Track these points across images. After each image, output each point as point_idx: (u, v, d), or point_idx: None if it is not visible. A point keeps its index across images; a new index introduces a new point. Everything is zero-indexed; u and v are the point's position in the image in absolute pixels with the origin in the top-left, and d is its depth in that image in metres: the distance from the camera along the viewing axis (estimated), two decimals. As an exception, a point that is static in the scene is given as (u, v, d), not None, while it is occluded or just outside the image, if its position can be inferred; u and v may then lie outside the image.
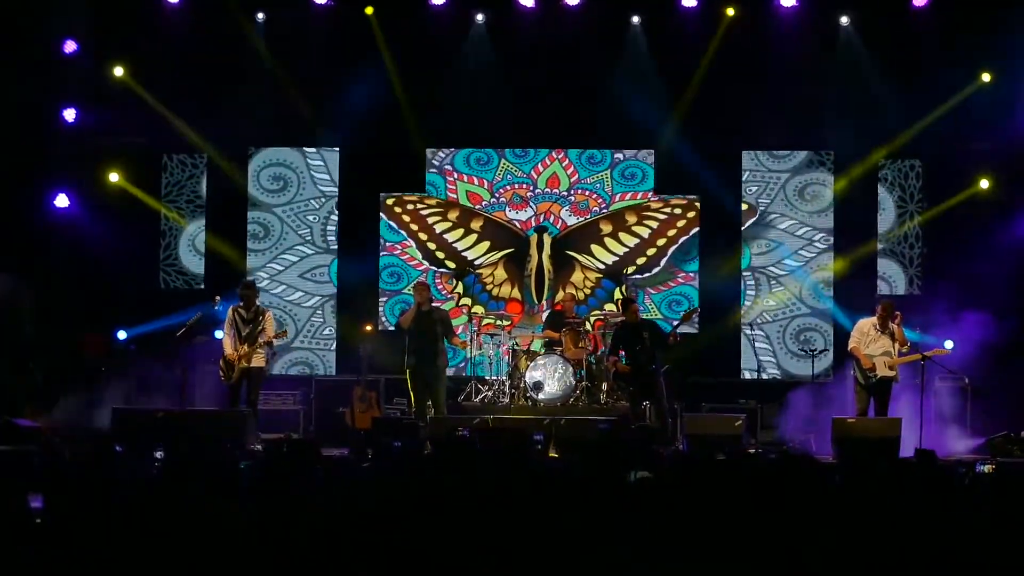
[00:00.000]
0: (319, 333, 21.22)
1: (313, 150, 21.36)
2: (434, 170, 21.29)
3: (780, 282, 20.91)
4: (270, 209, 21.33)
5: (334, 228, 21.26)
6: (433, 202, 21.13)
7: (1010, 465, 14.78)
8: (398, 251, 21.19)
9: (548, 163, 21.21)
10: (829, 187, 20.95)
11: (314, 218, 21.34)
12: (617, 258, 20.99)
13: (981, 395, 18.40)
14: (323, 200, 21.34)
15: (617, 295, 20.79)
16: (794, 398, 18.97)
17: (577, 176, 21.16)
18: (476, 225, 21.10)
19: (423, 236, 21.06)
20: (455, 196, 21.22)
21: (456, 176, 21.24)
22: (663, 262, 20.93)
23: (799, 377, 20.21)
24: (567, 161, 21.19)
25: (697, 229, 20.94)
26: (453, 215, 21.10)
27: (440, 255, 21.06)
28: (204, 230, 21.16)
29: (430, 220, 21.10)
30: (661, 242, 20.90)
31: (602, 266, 20.99)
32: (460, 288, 21.05)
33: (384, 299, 21.21)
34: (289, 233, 21.31)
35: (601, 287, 20.97)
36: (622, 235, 21.00)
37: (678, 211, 20.96)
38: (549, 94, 20.69)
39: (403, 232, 21.08)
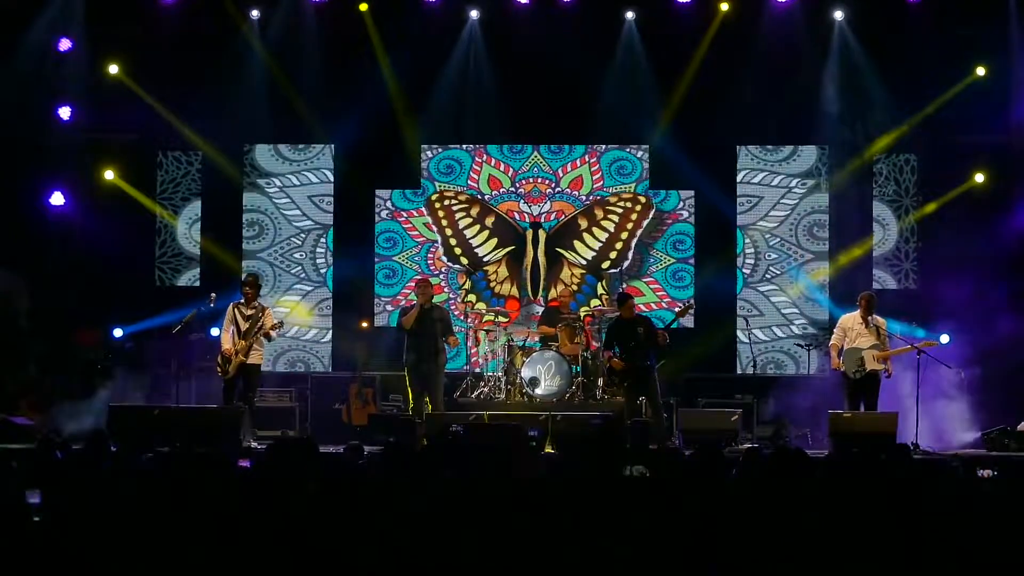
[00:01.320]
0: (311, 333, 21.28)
1: (276, 188, 21.31)
2: (464, 148, 21.32)
3: (775, 233, 20.94)
4: (255, 256, 21.35)
5: (323, 258, 21.26)
6: (464, 198, 21.15)
7: (1009, 463, 14.84)
8: (401, 302, 21.00)
9: (578, 164, 21.22)
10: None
11: (300, 254, 21.35)
12: (595, 253, 21.04)
13: (977, 389, 18.38)
14: (304, 235, 21.37)
15: (600, 290, 20.84)
16: (791, 391, 19.06)
17: (603, 183, 21.19)
18: (489, 222, 21.13)
19: (449, 232, 21.10)
20: (477, 177, 21.24)
21: (485, 159, 21.27)
22: (630, 255, 21.00)
23: (826, 323, 20.32)
24: (597, 166, 21.20)
25: (647, 221, 20.97)
26: (475, 211, 21.13)
27: (457, 251, 21.06)
28: (199, 221, 21.15)
29: (457, 216, 21.12)
30: (624, 235, 20.99)
31: (584, 261, 21.03)
32: (468, 284, 21.06)
33: (376, 261, 21.21)
34: (283, 275, 21.32)
35: (585, 282, 21.00)
36: (595, 230, 21.06)
37: (628, 204, 21.07)
38: (543, 90, 20.68)
39: (434, 229, 21.10)
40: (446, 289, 21.03)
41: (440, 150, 21.30)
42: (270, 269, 21.24)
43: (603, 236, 21.02)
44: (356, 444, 11.47)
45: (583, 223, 21.08)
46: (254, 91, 20.81)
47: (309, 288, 21.26)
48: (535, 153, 21.27)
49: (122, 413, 16.49)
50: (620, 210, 21.01)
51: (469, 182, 21.24)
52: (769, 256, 21.04)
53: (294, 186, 21.36)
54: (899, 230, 20.73)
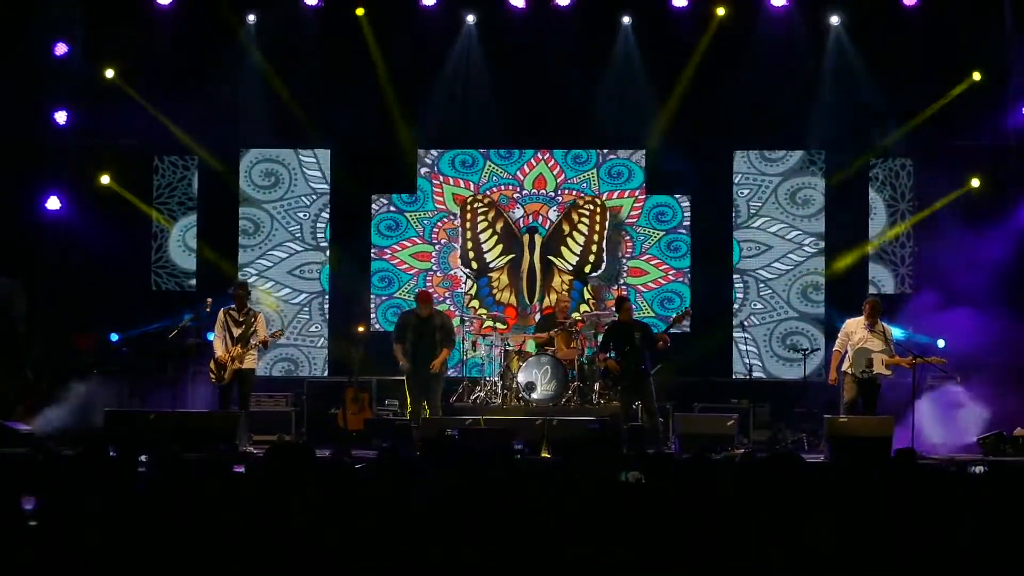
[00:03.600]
0: (305, 329, 21.23)
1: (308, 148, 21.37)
2: (421, 173, 21.34)
3: (770, 286, 20.93)
4: (260, 205, 21.37)
5: (324, 226, 21.28)
6: (487, 201, 21.16)
7: (1002, 465, 14.85)
8: (387, 255, 21.21)
9: (534, 164, 21.24)
10: (819, 191, 20.96)
11: (305, 214, 21.36)
12: (577, 258, 21.04)
13: (972, 394, 18.36)
14: (314, 197, 21.39)
15: (586, 295, 20.85)
16: (788, 396, 19.11)
17: (564, 176, 21.21)
18: (499, 227, 21.13)
19: (468, 235, 21.10)
20: (441, 199, 21.26)
21: (443, 179, 21.27)
22: (605, 257, 20.97)
23: (785, 379, 20.40)
24: (552, 161, 21.22)
25: (607, 222, 20.95)
26: (491, 214, 21.13)
27: (471, 255, 21.08)
28: (195, 227, 21.15)
29: (479, 220, 21.14)
30: (596, 238, 20.97)
31: (570, 267, 21.04)
32: (473, 290, 21.06)
33: (377, 303, 21.20)
34: (279, 230, 21.33)
35: (574, 289, 21.00)
36: (575, 234, 21.05)
37: (591, 207, 21.04)
38: (539, 94, 20.69)
39: (456, 230, 21.12)
40: (448, 303, 21.05)
41: (439, 152, 21.34)
42: (269, 221, 21.35)
43: (581, 240, 21.02)
44: (343, 448, 11.49)
45: (565, 228, 21.08)
46: (251, 95, 20.82)
47: (300, 248, 21.27)
48: (487, 163, 21.34)
49: (119, 418, 16.48)
50: (587, 213, 21.02)
51: (436, 205, 21.29)
52: (742, 192, 21.11)
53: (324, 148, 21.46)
54: (898, 273, 20.74)
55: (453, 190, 21.28)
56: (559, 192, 21.21)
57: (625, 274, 21.02)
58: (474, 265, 21.13)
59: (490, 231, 21.14)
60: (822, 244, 20.93)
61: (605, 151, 21.20)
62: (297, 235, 21.35)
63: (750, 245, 21.03)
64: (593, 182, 21.17)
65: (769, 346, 20.90)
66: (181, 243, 21.21)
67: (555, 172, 21.23)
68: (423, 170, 21.31)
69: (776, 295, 20.94)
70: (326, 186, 21.36)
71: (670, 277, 21.09)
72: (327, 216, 21.31)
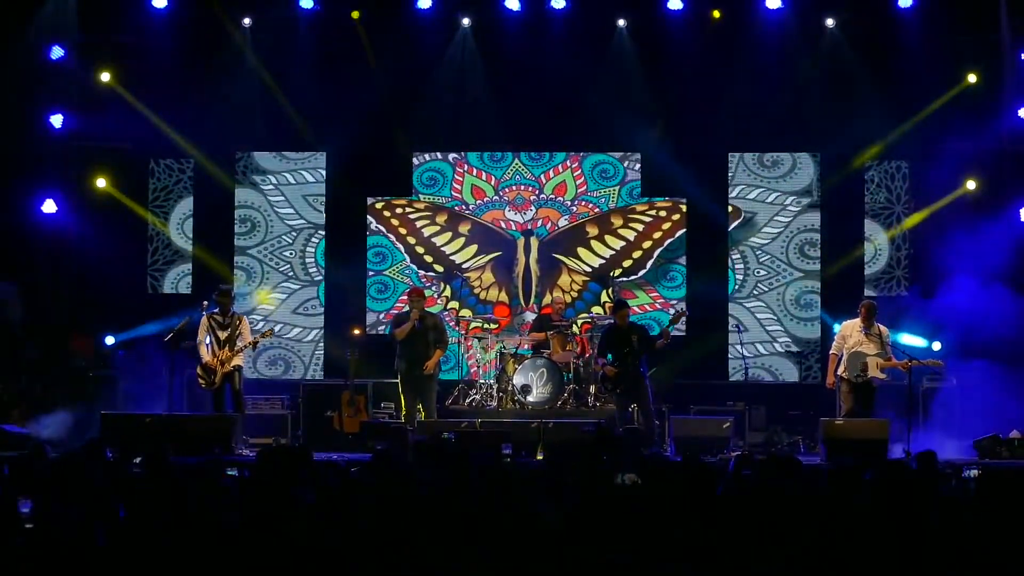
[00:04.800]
0: (316, 361, 21.26)
1: (271, 186, 21.34)
2: (444, 159, 21.32)
3: (767, 251, 20.92)
4: (245, 252, 21.36)
5: (312, 261, 21.26)
6: (422, 206, 21.15)
7: (996, 468, 14.83)
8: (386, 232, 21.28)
9: (561, 170, 21.22)
10: (788, 153, 21.03)
11: (290, 252, 21.35)
12: (604, 260, 21.01)
13: (968, 396, 18.35)
14: (294, 234, 21.38)
15: (604, 298, 20.84)
16: (783, 398, 19.07)
17: (586, 187, 21.19)
18: (464, 229, 21.12)
19: (411, 240, 21.08)
20: (460, 187, 21.23)
21: (466, 168, 21.26)
22: (649, 264, 20.93)
23: (810, 341, 20.47)
24: (578, 171, 21.20)
25: (682, 231, 20.94)
26: (441, 219, 21.12)
27: (428, 259, 21.07)
28: (188, 276, 21.14)
29: (418, 224, 21.12)
30: (647, 244, 20.92)
31: (589, 269, 21.01)
32: (448, 292, 21.06)
33: (370, 275, 21.25)
34: (271, 272, 21.34)
35: (588, 290, 20.99)
36: (608, 238, 21.02)
37: (663, 213, 20.98)
38: (534, 97, 20.68)
39: (390, 236, 21.07)
40: (433, 290, 21.01)
41: (427, 158, 21.29)
42: (259, 265, 21.31)
43: (618, 244, 21.00)
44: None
45: (592, 231, 21.05)
46: (246, 99, 20.80)
47: (296, 287, 21.29)
48: (515, 160, 21.29)
49: (115, 421, 16.47)
50: (648, 219, 20.97)
51: (452, 192, 21.24)
52: (758, 273, 21.04)
53: (289, 184, 21.37)
54: (894, 274, 20.76)
55: (473, 181, 21.26)
56: (576, 202, 21.17)
57: (617, 292, 20.97)
58: (438, 268, 21.14)
59: (448, 234, 21.16)
60: (804, 200, 20.90)
61: (626, 164, 21.14)
62: (290, 274, 21.35)
63: (734, 215, 21.02)
64: (613, 198, 21.14)
65: (785, 309, 20.88)
66: (175, 289, 21.19)
67: (578, 182, 21.20)
68: (451, 156, 21.31)
69: (775, 259, 20.93)
70: (302, 221, 21.32)
71: (656, 305, 21.05)
72: (312, 250, 21.28)
